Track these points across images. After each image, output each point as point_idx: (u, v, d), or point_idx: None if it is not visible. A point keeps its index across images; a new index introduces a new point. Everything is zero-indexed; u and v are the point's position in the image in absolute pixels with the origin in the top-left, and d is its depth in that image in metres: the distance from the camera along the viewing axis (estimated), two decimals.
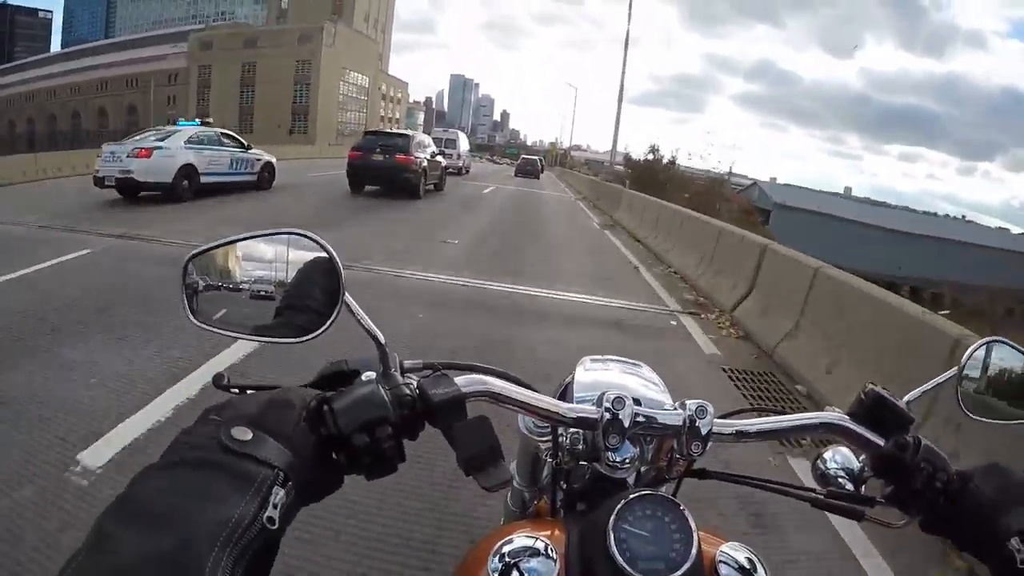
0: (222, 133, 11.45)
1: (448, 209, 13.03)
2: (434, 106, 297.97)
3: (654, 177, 24.25)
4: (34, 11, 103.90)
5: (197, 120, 12.08)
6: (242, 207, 10.11)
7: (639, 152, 28.80)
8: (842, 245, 26.35)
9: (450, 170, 24.36)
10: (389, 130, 16.65)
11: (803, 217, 34.30)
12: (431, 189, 15.48)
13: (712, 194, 24.72)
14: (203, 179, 10.36)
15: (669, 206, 10.93)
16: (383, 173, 13.56)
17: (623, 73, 18.83)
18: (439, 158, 16.19)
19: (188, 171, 9.97)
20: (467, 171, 29.79)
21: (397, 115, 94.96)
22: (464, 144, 30.55)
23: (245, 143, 12.02)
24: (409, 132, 15.18)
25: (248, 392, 0.56)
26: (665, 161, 27.36)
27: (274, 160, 12.86)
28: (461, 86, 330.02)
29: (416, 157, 13.86)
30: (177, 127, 10.89)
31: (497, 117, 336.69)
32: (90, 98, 76.22)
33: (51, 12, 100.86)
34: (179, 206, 9.38)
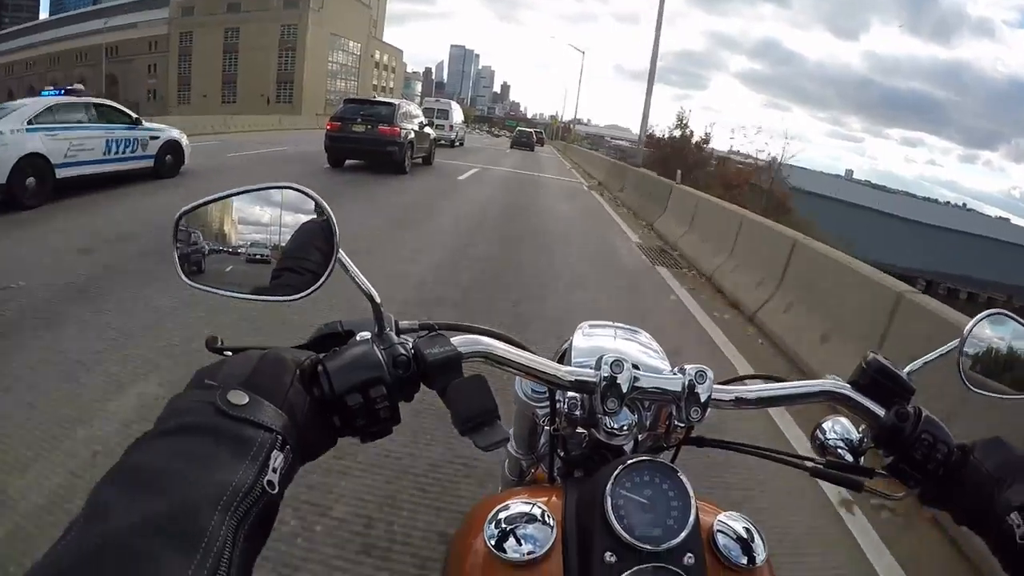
0: (96, 105, 8.05)
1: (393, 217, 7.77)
2: (433, 77, 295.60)
3: (680, 160, 20.74)
4: None
5: (61, 90, 8.59)
6: (117, 211, 6.83)
7: (661, 126, 26.20)
8: (868, 237, 24.94)
9: (442, 142, 22.91)
10: (372, 98, 14.70)
11: (819, 204, 30.91)
12: (419, 163, 14.42)
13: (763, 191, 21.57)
14: (62, 172, 7.10)
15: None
16: (364, 146, 12.21)
17: (655, 48, 16.78)
18: (428, 129, 14.88)
19: (36, 164, 6.73)
20: (460, 143, 28.60)
21: (392, 84, 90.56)
22: (457, 115, 29.11)
23: (133, 116, 8.65)
24: (394, 101, 13.45)
25: (241, 353, 0.55)
26: (697, 140, 24.94)
27: (182, 138, 9.59)
28: (461, 57, 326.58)
29: (401, 128, 12.51)
30: (26, 102, 7.45)
31: (497, 89, 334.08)
32: (69, 69, 68.82)
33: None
34: (17, 217, 6.09)
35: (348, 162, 12.74)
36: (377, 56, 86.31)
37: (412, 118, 13.68)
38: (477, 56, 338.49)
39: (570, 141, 55.49)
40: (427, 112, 23.37)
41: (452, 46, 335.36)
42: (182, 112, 45.97)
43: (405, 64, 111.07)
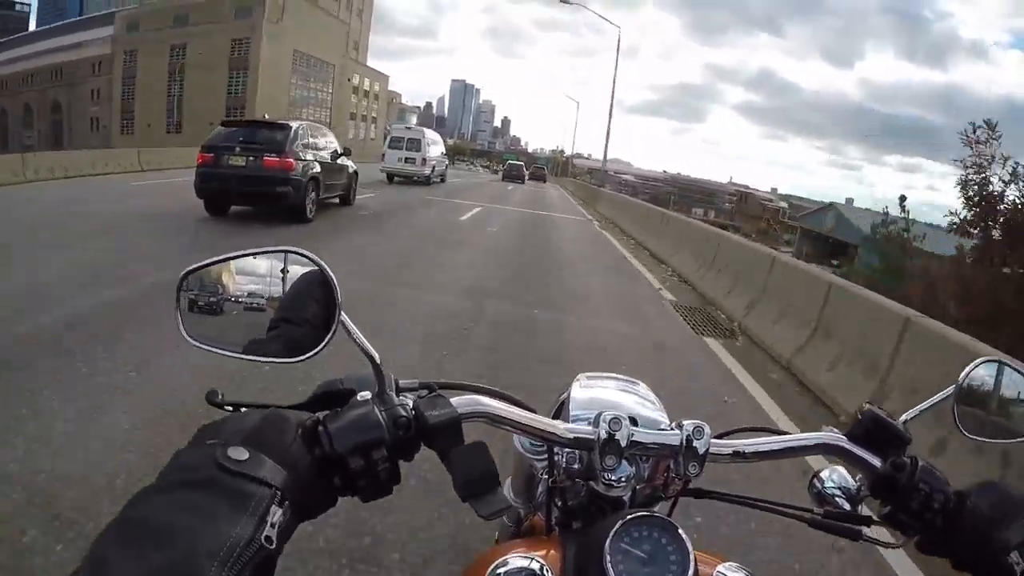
0: None
1: None
2: (434, 111, 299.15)
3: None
4: (11, 3, 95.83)
5: None
6: None
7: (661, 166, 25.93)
8: None
9: (416, 178, 20.66)
10: (262, 119, 10.34)
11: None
12: (336, 202, 11.41)
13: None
14: None
15: None
16: (246, 186, 8.75)
17: (614, 83, 17.71)
18: (346, 160, 11.26)
19: None
20: (441, 180, 23.37)
21: (375, 114, 77.00)
22: (434, 146, 22.78)
23: None
24: (292, 122, 9.70)
25: (242, 410, 0.56)
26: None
27: None
28: (462, 91, 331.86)
29: (298, 159, 9.04)
30: None
31: (498, 123, 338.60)
32: (17, 93, 63.34)
33: (28, 5, 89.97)
34: None
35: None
36: (356, 80, 73.91)
37: (317, 145, 10.08)
38: (478, 91, 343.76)
39: (574, 176, 53.30)
40: (394, 142, 21.16)
41: (453, 80, 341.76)
42: (125, 144, 40.31)
43: (399, 95, 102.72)
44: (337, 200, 11.35)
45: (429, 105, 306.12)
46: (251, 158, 8.73)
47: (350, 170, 11.69)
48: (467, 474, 0.57)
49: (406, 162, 21.02)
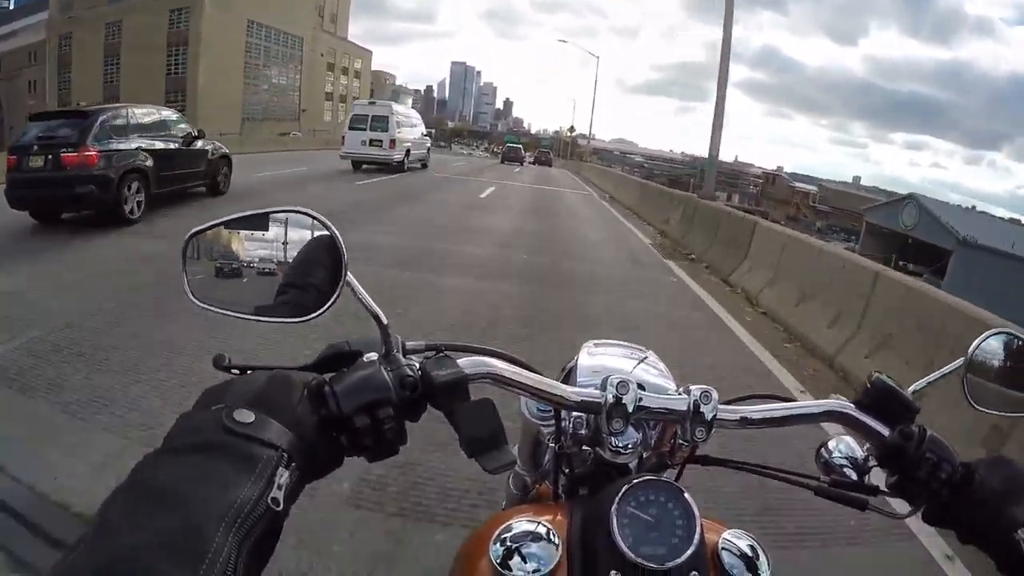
0: None
1: None
2: (435, 95, 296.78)
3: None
4: None
5: None
6: None
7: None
8: None
9: (388, 164, 17.10)
10: (72, 107, 8.81)
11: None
12: (202, 191, 9.56)
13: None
14: None
15: None
16: (46, 188, 7.04)
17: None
18: (207, 144, 9.64)
19: None
20: (422, 166, 20.30)
21: (357, 94, 64.01)
22: (408, 126, 18.94)
23: None
24: (107, 108, 8.02)
25: (248, 373, 0.56)
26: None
27: None
28: (462, 74, 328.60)
29: (107, 151, 7.30)
30: None
31: (500, 105, 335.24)
32: None
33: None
34: None
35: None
36: (328, 55, 65.77)
37: (150, 132, 8.26)
38: (479, 73, 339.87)
39: (585, 158, 47.39)
40: (356, 121, 17.25)
41: (453, 63, 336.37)
42: None
43: (392, 76, 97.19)
44: (203, 189, 9.71)
45: (430, 88, 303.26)
46: (49, 157, 7.01)
47: (213, 155, 9.84)
48: (473, 430, 0.57)
49: (371, 145, 17.14)
